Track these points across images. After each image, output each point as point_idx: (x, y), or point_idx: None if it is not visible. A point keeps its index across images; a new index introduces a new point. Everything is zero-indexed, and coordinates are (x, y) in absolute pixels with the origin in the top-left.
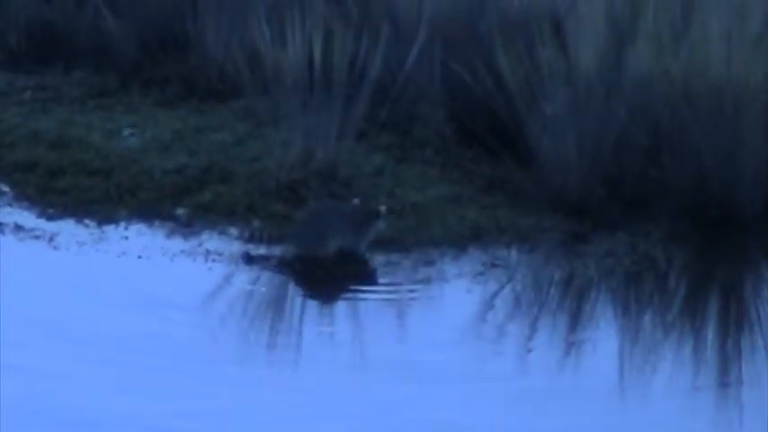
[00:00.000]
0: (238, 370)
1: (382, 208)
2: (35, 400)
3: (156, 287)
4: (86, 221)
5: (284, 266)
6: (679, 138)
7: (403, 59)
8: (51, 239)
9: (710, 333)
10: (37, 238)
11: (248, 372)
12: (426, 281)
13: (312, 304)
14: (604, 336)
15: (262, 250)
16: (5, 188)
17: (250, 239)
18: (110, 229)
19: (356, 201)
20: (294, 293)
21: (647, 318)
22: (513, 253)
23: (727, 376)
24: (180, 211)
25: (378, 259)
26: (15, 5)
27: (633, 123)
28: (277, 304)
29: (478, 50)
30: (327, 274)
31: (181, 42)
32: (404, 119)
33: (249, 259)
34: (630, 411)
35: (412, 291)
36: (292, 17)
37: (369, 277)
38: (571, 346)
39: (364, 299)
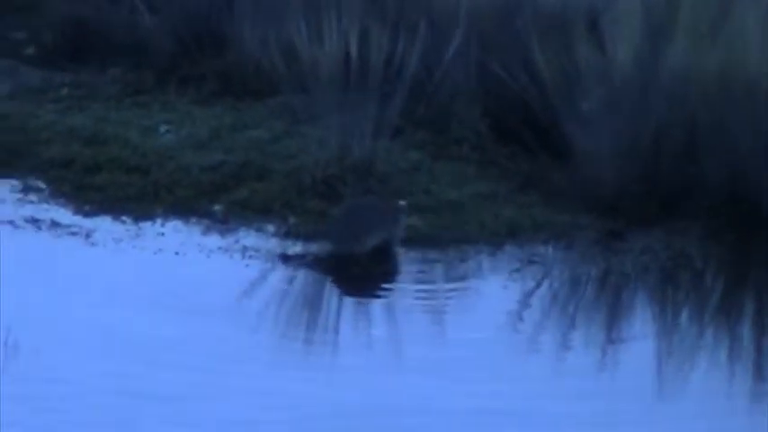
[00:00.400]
0: (274, 368)
1: (403, 203)
2: (71, 400)
3: (192, 284)
4: (123, 218)
5: (320, 263)
6: (716, 133)
7: (439, 56)
8: (88, 236)
9: (747, 330)
10: (73, 234)
11: (284, 369)
12: (462, 278)
13: (348, 301)
14: (640, 333)
15: (298, 248)
16: (42, 185)
17: (286, 236)
18: (146, 225)
19: (378, 199)
20: (330, 291)
21: (684, 315)
22: (549, 250)
23: (763, 374)
24: (216, 208)
25: (413, 256)
26: (51, 3)
27: (669, 119)
28: (313, 301)
29: (515, 47)
30: (363, 271)
31: (217, 39)
32: (440, 116)
33: (285, 258)
34: (667, 410)
35: (448, 288)
36: (329, 14)
37: (404, 274)
38: (607, 344)
39: (400, 296)
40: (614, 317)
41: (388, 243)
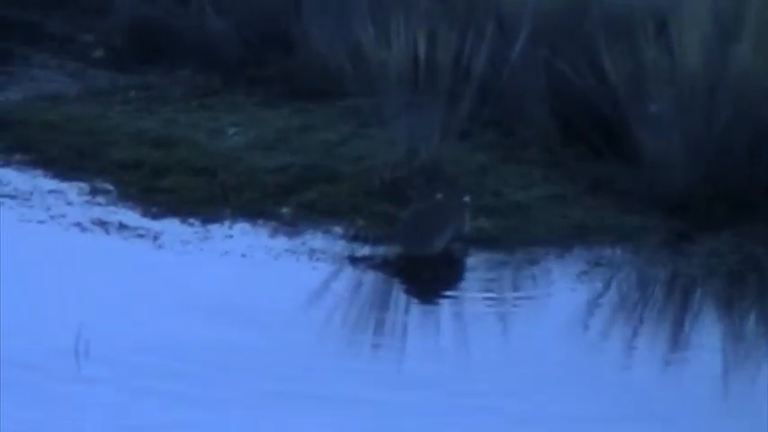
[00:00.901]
0: (342, 370)
1: (467, 198)
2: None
3: (259, 286)
4: (190, 220)
5: (388, 266)
6: None
7: (507, 58)
8: (156, 239)
9: None
10: (141, 237)
11: (352, 372)
12: (530, 280)
13: (416, 304)
14: (707, 337)
15: (365, 250)
16: (110, 187)
17: (354, 239)
18: (214, 228)
19: (439, 195)
20: (398, 293)
21: (751, 318)
22: (618, 252)
23: None
24: (284, 211)
25: (481, 258)
26: (119, 4)
27: (737, 121)
28: (381, 304)
29: (582, 48)
30: (431, 273)
31: (285, 41)
32: (508, 118)
33: (354, 260)
34: (734, 412)
35: (516, 290)
36: (396, 15)
37: (472, 277)
38: (675, 347)
39: (468, 298)
40: (681, 320)
41: (456, 240)
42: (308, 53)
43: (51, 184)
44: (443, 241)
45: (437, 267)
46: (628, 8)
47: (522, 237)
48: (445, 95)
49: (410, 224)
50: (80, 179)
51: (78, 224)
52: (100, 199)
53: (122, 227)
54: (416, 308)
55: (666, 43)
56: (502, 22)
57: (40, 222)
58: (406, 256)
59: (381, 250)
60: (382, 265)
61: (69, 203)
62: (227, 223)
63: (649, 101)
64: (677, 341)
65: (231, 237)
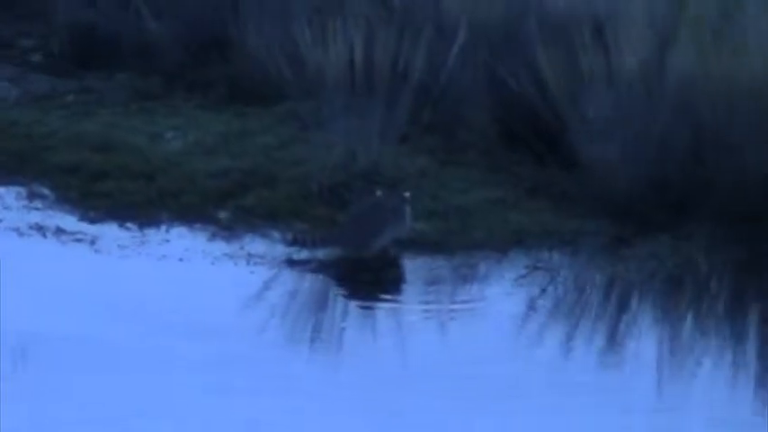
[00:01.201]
0: (279, 374)
1: (407, 194)
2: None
3: (197, 290)
4: (128, 225)
5: (325, 270)
6: (723, 139)
7: (445, 61)
8: (93, 243)
9: (752, 338)
10: (79, 241)
11: (288, 377)
12: (469, 284)
13: (354, 308)
14: (645, 340)
15: (305, 254)
16: (47, 191)
17: (293, 242)
18: (151, 232)
19: (379, 193)
20: (335, 297)
21: (689, 322)
22: (557, 256)
23: (766, 382)
24: (222, 215)
25: (420, 262)
26: (58, 9)
27: (676, 125)
28: (318, 308)
29: (521, 52)
30: (369, 277)
31: (224, 45)
32: (447, 121)
33: (292, 263)
34: (669, 417)
35: (454, 294)
36: (334, 19)
37: (411, 280)
38: (611, 350)
39: (406, 302)
40: (619, 323)
41: (397, 238)
42: (247, 57)
43: None
44: (383, 242)
45: (375, 271)
46: (566, 12)
47: (461, 240)
48: (384, 99)
49: (349, 225)
50: (18, 183)
51: (16, 228)
52: (38, 203)
53: (60, 231)
54: (353, 312)
55: (604, 47)
56: (440, 26)
57: None
58: (346, 259)
59: (320, 254)
60: (321, 269)
61: (7, 208)
62: (164, 227)
63: (588, 105)
64: (615, 345)
65: (169, 241)
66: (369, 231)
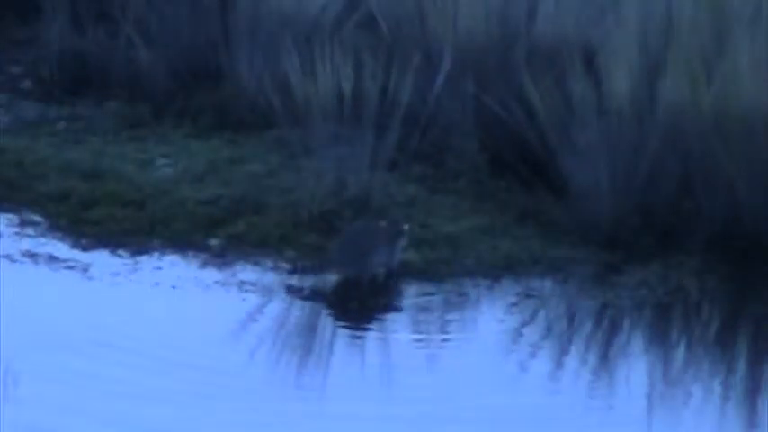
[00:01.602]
0: (268, 401)
1: (405, 226)
2: None
3: (189, 318)
4: (120, 252)
5: (317, 297)
6: (712, 168)
7: (433, 89)
8: (85, 270)
9: (742, 365)
10: (71, 268)
11: (277, 403)
12: (459, 311)
13: (344, 335)
14: (635, 367)
15: (295, 281)
16: (38, 219)
17: (288, 271)
18: (143, 259)
19: (383, 223)
20: (326, 325)
21: (679, 350)
22: (547, 283)
23: (757, 411)
24: (213, 242)
25: (410, 290)
26: (48, 36)
27: (666, 154)
28: (309, 336)
29: (509, 81)
30: (360, 305)
31: (213, 73)
32: (436, 149)
33: (283, 290)
34: None
35: (444, 322)
36: (322, 47)
37: (401, 308)
38: (602, 378)
39: (396, 330)
40: (610, 351)
41: (388, 267)
42: (237, 85)
43: None
44: (377, 262)
45: (365, 299)
46: (555, 39)
47: (450, 268)
48: (372, 127)
49: (344, 246)
50: (9, 211)
51: (8, 256)
52: (29, 231)
53: (52, 258)
54: (343, 339)
55: (594, 74)
56: (428, 54)
57: None
58: (336, 286)
59: (314, 280)
60: (311, 297)
61: None
62: (156, 255)
63: (577, 133)
64: (604, 372)
65: (161, 268)
66: (363, 251)
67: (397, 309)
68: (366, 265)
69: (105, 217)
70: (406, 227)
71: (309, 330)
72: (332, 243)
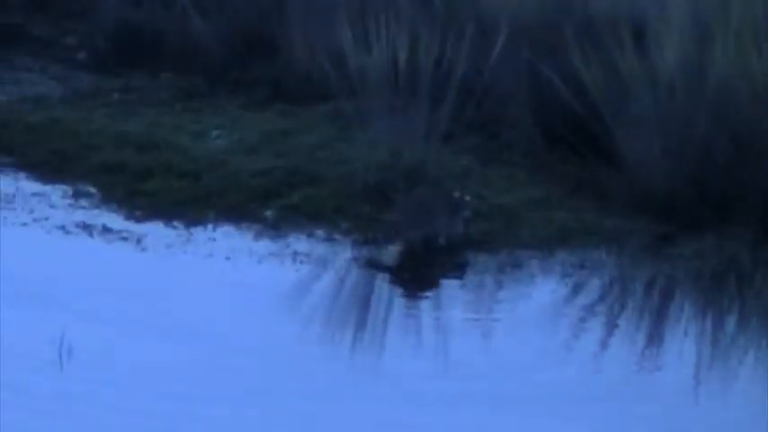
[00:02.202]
0: (324, 371)
1: (467, 197)
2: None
3: (243, 288)
4: (174, 223)
5: (372, 268)
6: (764, 139)
7: (488, 61)
8: (139, 241)
9: None
10: (125, 240)
11: (333, 373)
12: (513, 282)
13: (398, 308)
14: (688, 338)
15: (349, 252)
16: (93, 190)
17: (347, 242)
18: (197, 231)
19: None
20: (380, 297)
21: (732, 320)
22: (601, 255)
23: None
24: (267, 214)
25: (466, 260)
26: (103, 7)
27: (718, 125)
28: (363, 308)
29: (563, 53)
30: (415, 276)
31: (268, 45)
32: (490, 121)
33: (345, 261)
34: (712, 417)
35: (499, 293)
36: (377, 19)
37: (455, 280)
38: (653, 348)
39: (450, 303)
40: (663, 322)
41: (449, 236)
42: (292, 57)
43: (34, 187)
44: (440, 231)
45: (421, 270)
46: (608, 13)
47: (505, 239)
48: (427, 99)
49: (407, 213)
50: (63, 182)
51: (62, 227)
52: (83, 202)
53: (106, 230)
54: (398, 310)
55: (645, 47)
56: (482, 26)
57: (23, 225)
58: (395, 252)
59: (368, 251)
60: (368, 267)
61: (53, 206)
62: (210, 226)
63: (630, 104)
64: (657, 343)
65: (215, 240)
66: (425, 220)
67: (452, 281)
68: (429, 234)
69: (159, 188)
70: (467, 197)
71: (363, 302)
72: (394, 212)
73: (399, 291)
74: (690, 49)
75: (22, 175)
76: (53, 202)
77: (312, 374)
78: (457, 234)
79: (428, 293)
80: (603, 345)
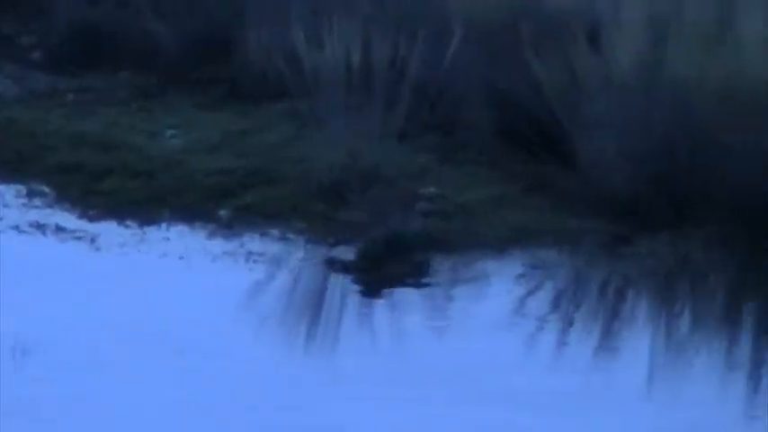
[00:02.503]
0: (277, 372)
1: (427, 196)
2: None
3: (196, 288)
4: (128, 223)
5: (326, 266)
6: (720, 137)
7: (442, 61)
8: (93, 241)
9: (747, 336)
10: (78, 239)
11: (285, 371)
12: (468, 281)
13: (352, 306)
14: (641, 337)
15: (303, 251)
16: (47, 190)
17: (300, 241)
18: (151, 230)
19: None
20: (333, 295)
21: (686, 319)
22: (556, 254)
23: (762, 379)
24: (222, 213)
25: (420, 259)
26: (59, 7)
27: (674, 125)
28: (317, 307)
29: (518, 53)
30: (369, 275)
31: (224, 45)
32: (446, 120)
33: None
34: (662, 413)
35: (454, 291)
36: (331, 19)
37: (412, 277)
38: (606, 347)
39: (406, 300)
40: (615, 321)
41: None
42: (248, 57)
43: None
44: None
45: (374, 269)
46: (563, 13)
47: (462, 239)
48: (382, 98)
49: (363, 208)
50: (18, 182)
51: (15, 227)
52: (38, 202)
53: (60, 229)
54: (351, 311)
55: (601, 46)
56: (436, 26)
57: None
58: (351, 250)
59: (323, 250)
60: (323, 267)
61: (6, 206)
62: (164, 226)
63: (585, 105)
64: (608, 342)
65: (168, 239)
66: (387, 211)
67: (407, 280)
68: (385, 233)
69: (115, 188)
70: (427, 196)
71: (317, 302)
72: (350, 210)
73: (354, 290)
74: (646, 50)
75: None
76: (7, 201)
77: (265, 375)
78: (413, 233)
79: (383, 293)
80: (558, 344)
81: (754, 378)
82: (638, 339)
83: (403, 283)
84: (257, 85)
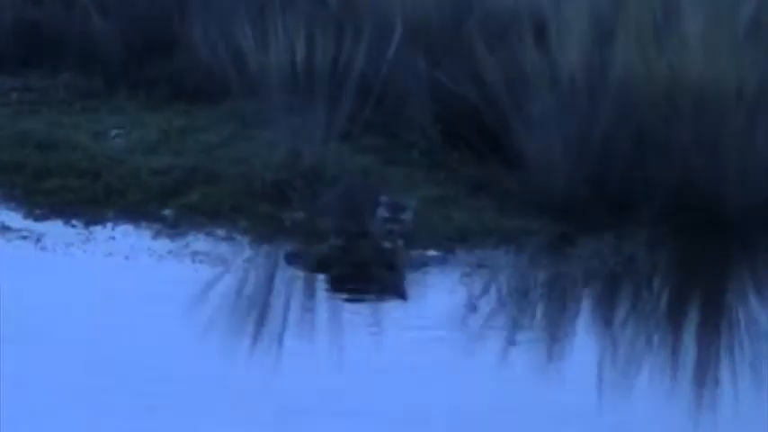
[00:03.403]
0: (222, 371)
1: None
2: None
3: (142, 288)
4: (73, 222)
5: (270, 268)
6: (663, 138)
7: (386, 60)
8: (38, 240)
9: (690, 336)
10: (24, 238)
11: (230, 372)
12: (411, 281)
13: (295, 306)
14: (585, 338)
15: (247, 251)
16: None
17: (245, 241)
18: (97, 229)
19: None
20: (278, 295)
21: (629, 320)
22: (499, 254)
23: (705, 379)
24: (166, 212)
25: (362, 259)
26: (2, 6)
27: (618, 124)
28: (261, 307)
29: (461, 52)
30: (313, 275)
31: (168, 44)
32: (389, 120)
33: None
34: (607, 414)
35: (397, 291)
36: (275, 19)
37: (352, 279)
38: (551, 348)
39: (348, 299)
40: (560, 321)
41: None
42: (191, 56)
43: None
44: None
45: (318, 268)
46: (507, 10)
47: (404, 239)
48: (326, 98)
49: (342, 200)
50: None
51: None
52: None
53: (5, 228)
54: (294, 309)
55: (546, 46)
56: (380, 25)
57: None
58: (289, 255)
59: (266, 250)
60: (266, 267)
61: None
62: (109, 225)
63: (530, 104)
64: (553, 342)
65: (114, 238)
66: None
67: (349, 279)
68: (327, 232)
69: (59, 187)
70: (383, 197)
71: (262, 301)
72: (294, 211)
73: (296, 289)
74: (590, 48)
75: None
76: None
77: (208, 378)
78: (357, 232)
79: (324, 293)
80: (499, 345)
81: (698, 378)
82: (582, 339)
83: (343, 283)
84: (201, 84)
